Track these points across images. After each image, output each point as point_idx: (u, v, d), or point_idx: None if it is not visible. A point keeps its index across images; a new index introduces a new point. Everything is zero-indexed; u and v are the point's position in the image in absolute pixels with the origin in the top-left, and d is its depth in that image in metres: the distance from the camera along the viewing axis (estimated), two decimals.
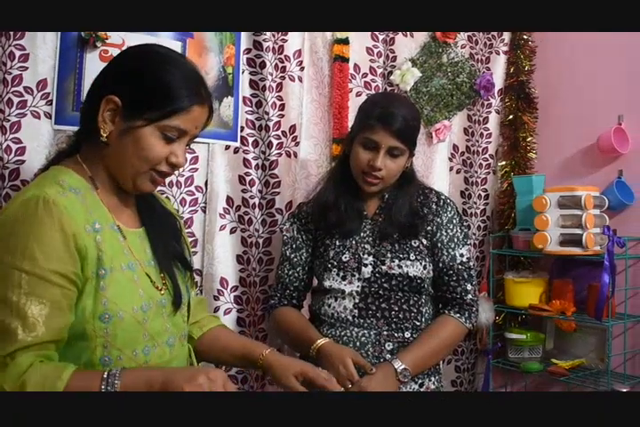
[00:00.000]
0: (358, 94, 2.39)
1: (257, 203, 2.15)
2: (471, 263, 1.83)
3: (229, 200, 2.12)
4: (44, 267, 1.06)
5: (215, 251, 2.09)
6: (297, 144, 2.22)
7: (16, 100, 1.78)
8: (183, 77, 1.20)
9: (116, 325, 1.14)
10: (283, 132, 2.18)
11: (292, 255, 1.88)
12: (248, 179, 2.13)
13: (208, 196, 2.08)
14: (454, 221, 1.82)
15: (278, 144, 2.17)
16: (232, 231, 2.13)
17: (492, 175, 2.72)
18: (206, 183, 2.08)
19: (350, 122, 2.32)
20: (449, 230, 1.80)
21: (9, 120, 1.77)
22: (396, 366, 1.64)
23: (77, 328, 1.12)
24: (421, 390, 1.74)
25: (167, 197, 1.94)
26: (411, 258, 1.74)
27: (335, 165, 1.93)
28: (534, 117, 2.69)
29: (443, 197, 1.86)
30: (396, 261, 1.74)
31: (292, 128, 2.20)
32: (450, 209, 1.83)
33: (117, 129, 1.19)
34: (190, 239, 2.00)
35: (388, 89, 2.47)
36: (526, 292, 2.46)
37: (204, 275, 2.08)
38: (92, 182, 1.22)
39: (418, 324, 1.76)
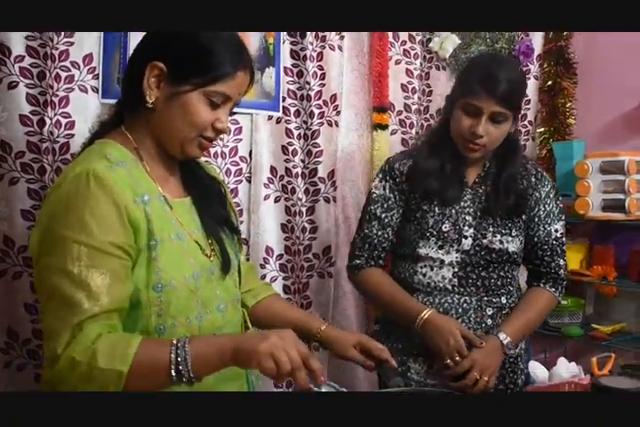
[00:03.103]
0: (397, 62, 2.39)
1: (300, 172, 2.18)
2: (564, 239, 1.80)
3: (273, 170, 2.15)
4: (101, 239, 1.08)
5: (260, 220, 2.13)
6: (338, 113, 2.24)
7: (63, 74, 1.81)
8: (226, 43, 1.20)
9: (169, 293, 1.15)
10: (324, 101, 2.20)
11: (383, 215, 1.77)
12: (291, 149, 2.15)
13: (252, 166, 2.11)
14: (551, 196, 1.78)
15: (320, 114, 2.18)
16: (276, 200, 2.17)
17: (530, 142, 2.71)
18: (250, 153, 2.11)
19: (391, 90, 2.33)
20: (546, 205, 1.76)
21: (57, 95, 1.80)
22: (501, 339, 1.64)
23: (132, 298, 1.13)
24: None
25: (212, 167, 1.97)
26: (512, 234, 1.71)
27: (434, 129, 1.83)
28: (573, 83, 2.65)
29: (539, 170, 1.81)
30: (498, 236, 1.70)
31: (333, 97, 2.21)
32: (547, 183, 1.78)
33: (163, 95, 1.19)
34: (236, 209, 2.03)
35: (427, 56, 2.46)
36: (567, 257, 2.46)
37: (250, 244, 2.11)
38: (138, 154, 1.23)
39: (511, 289, 1.77)
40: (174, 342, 1.06)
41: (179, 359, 1.04)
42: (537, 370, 1.55)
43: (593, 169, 2.30)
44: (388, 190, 1.78)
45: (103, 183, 1.10)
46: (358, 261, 1.80)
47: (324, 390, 1.12)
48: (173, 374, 1.04)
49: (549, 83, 2.66)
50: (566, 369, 1.49)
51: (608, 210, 2.27)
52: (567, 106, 2.64)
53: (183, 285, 1.17)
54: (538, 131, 2.70)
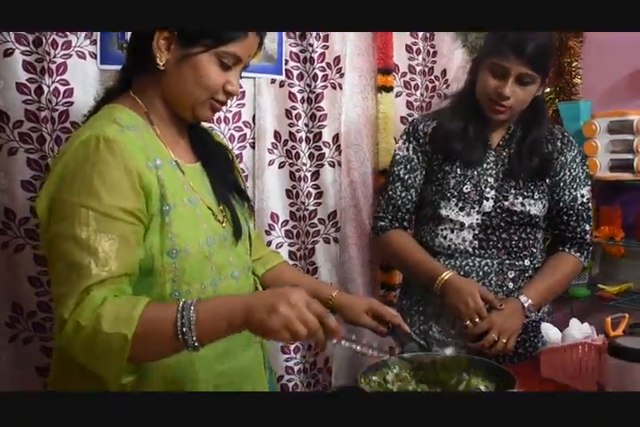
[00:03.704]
0: None
1: (304, 137, 2.14)
2: (590, 204, 1.80)
3: (277, 135, 2.12)
4: (110, 204, 1.07)
5: (265, 186, 2.10)
6: (342, 76, 2.19)
7: (60, 40, 1.76)
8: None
9: (183, 259, 1.14)
10: (327, 63, 2.15)
11: (406, 176, 1.78)
12: (294, 113, 2.11)
13: (256, 131, 2.08)
14: (577, 160, 1.76)
15: (323, 76, 2.14)
16: (280, 166, 2.14)
17: None
18: (254, 118, 2.07)
19: (395, 51, 2.28)
20: (572, 170, 1.75)
21: (54, 62, 1.75)
22: (522, 301, 1.64)
23: (146, 265, 1.13)
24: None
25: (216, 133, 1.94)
26: (534, 197, 1.71)
27: (460, 90, 1.82)
28: (579, 42, 2.60)
29: (566, 134, 1.80)
30: (520, 198, 1.70)
31: (337, 59, 2.17)
32: (573, 147, 1.77)
33: (174, 57, 1.18)
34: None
35: None
36: None
37: (255, 210, 2.08)
38: (148, 118, 1.22)
39: (535, 251, 1.76)
40: (180, 303, 1.04)
41: (183, 321, 1.02)
42: (549, 331, 1.54)
43: (601, 129, 2.27)
44: (411, 151, 1.78)
45: (113, 148, 1.09)
46: (382, 223, 1.81)
47: (341, 343, 1.13)
48: (179, 335, 1.01)
49: (555, 42, 2.61)
50: (579, 330, 1.49)
51: (616, 170, 2.25)
52: (573, 65, 2.59)
53: (197, 250, 1.17)
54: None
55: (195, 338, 1.02)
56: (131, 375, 1.05)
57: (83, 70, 1.80)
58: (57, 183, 1.10)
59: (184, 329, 1.01)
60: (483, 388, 1.25)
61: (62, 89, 1.77)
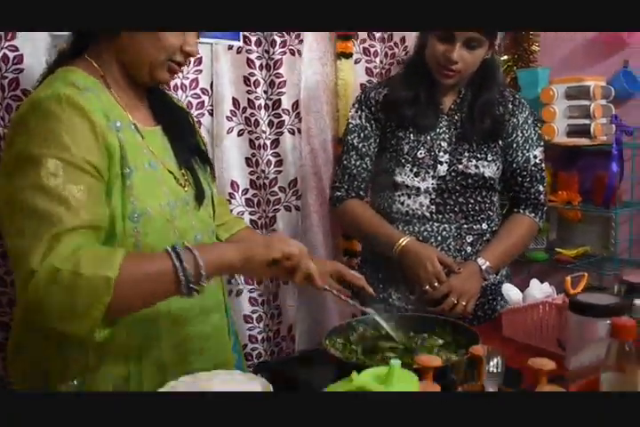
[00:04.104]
0: None
1: (263, 104, 2.11)
2: (543, 165, 1.81)
3: (235, 102, 2.08)
4: (78, 155, 1.04)
5: (224, 154, 2.07)
6: (300, 42, 2.15)
7: None
8: None
9: (145, 223, 1.13)
10: None
11: (360, 145, 1.78)
12: (253, 79, 2.08)
13: (214, 98, 2.04)
14: (529, 122, 1.77)
15: (282, 43, 2.10)
16: (240, 134, 2.10)
17: None
18: (212, 85, 2.03)
19: None
20: (524, 131, 1.76)
21: None
22: (480, 264, 1.65)
23: (109, 229, 1.10)
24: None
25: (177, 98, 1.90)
26: (488, 159, 1.71)
27: (410, 57, 1.82)
28: None
29: (517, 96, 1.81)
30: (474, 161, 1.70)
31: None
32: (525, 109, 1.78)
33: None
34: None
35: None
36: None
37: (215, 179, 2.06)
38: (105, 82, 1.19)
39: (491, 214, 1.78)
40: (168, 247, 1.04)
41: (181, 261, 1.02)
42: (510, 292, 1.56)
43: (558, 95, 2.30)
44: (364, 120, 1.79)
45: (77, 106, 1.07)
46: (339, 193, 1.81)
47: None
48: (181, 276, 1.01)
49: None
50: (539, 290, 1.51)
51: (573, 135, 2.28)
52: (531, 33, 2.60)
53: (159, 214, 1.16)
54: (502, 59, 2.66)
55: (191, 280, 1.02)
56: (105, 329, 1.01)
57: (32, 35, 1.73)
58: (17, 141, 1.07)
59: (183, 265, 1.01)
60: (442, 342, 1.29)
61: (11, 55, 1.70)
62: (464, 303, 1.60)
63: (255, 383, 0.97)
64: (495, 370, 1.06)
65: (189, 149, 1.33)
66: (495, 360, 1.06)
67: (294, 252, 1.12)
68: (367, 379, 0.88)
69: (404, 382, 0.87)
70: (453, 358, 1.21)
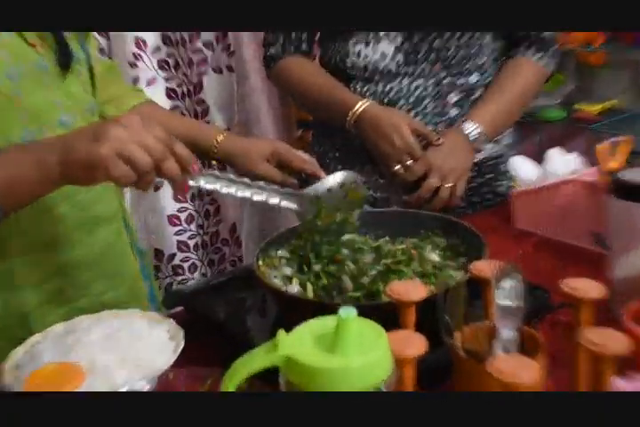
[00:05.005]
0: None
1: None
2: None
3: None
4: None
5: None
6: None
7: None
8: None
9: None
10: None
11: None
12: None
13: None
14: None
15: None
16: None
17: None
18: None
19: None
20: None
21: None
22: (467, 131, 1.34)
23: None
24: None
25: None
26: None
27: None
28: None
29: None
30: None
31: None
32: None
33: None
34: None
35: None
36: None
37: (108, 36, 1.66)
38: None
39: (483, 63, 1.43)
40: None
41: None
42: (522, 167, 1.26)
43: None
44: None
45: None
46: (272, 50, 1.50)
47: (203, 183, 0.90)
48: None
49: None
50: (562, 163, 1.24)
51: None
52: None
53: None
54: None
55: None
56: None
57: None
58: None
59: None
60: (435, 257, 0.99)
61: None
62: (449, 186, 1.29)
63: (157, 332, 0.81)
64: (511, 302, 0.69)
65: None
66: (511, 283, 0.70)
67: (139, 158, 0.79)
68: (305, 340, 0.58)
69: (363, 344, 0.57)
70: (446, 283, 0.90)
